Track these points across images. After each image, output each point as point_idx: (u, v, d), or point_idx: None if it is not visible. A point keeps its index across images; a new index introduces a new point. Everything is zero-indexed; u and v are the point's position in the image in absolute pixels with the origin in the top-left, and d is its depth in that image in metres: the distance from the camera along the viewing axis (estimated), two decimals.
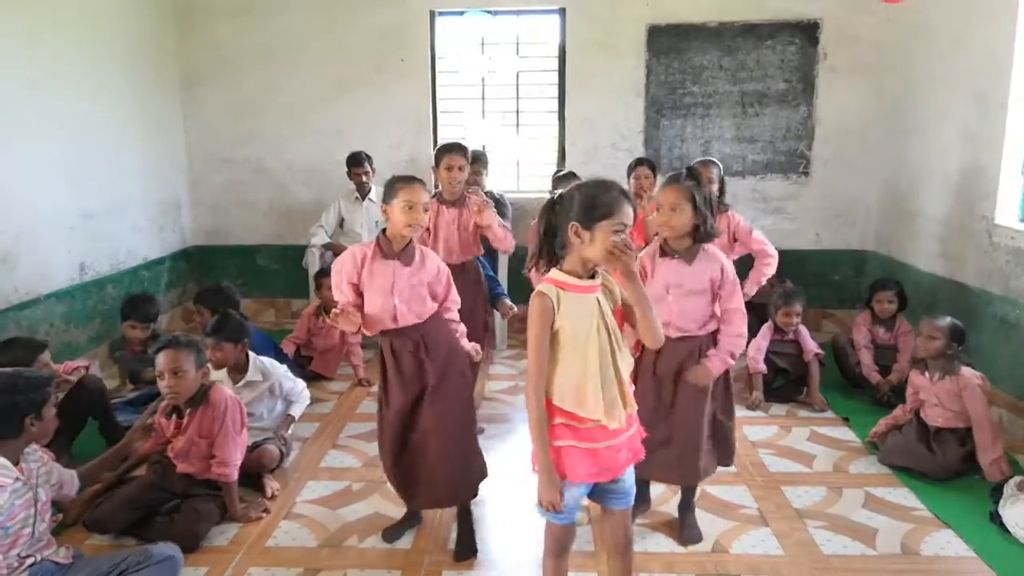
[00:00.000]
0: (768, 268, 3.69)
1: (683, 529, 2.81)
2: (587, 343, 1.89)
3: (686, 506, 2.86)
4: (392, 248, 2.60)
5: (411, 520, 2.89)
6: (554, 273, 1.95)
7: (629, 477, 2.03)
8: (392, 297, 2.56)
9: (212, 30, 5.68)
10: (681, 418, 2.65)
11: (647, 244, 3.97)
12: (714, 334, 2.65)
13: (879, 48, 5.31)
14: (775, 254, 3.69)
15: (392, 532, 2.84)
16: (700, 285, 2.59)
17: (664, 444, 2.63)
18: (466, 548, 2.72)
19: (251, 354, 3.41)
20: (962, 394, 3.25)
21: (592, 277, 1.94)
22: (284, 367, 3.54)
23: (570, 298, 1.90)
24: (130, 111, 5.13)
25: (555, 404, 1.93)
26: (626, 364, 1.96)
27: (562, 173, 5.07)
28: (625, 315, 2.01)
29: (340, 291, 2.60)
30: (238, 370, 3.35)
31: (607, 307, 1.94)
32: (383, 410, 2.69)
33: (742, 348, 2.68)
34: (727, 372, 2.70)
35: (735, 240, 3.72)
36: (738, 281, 2.69)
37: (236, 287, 4.35)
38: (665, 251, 2.63)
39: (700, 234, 2.56)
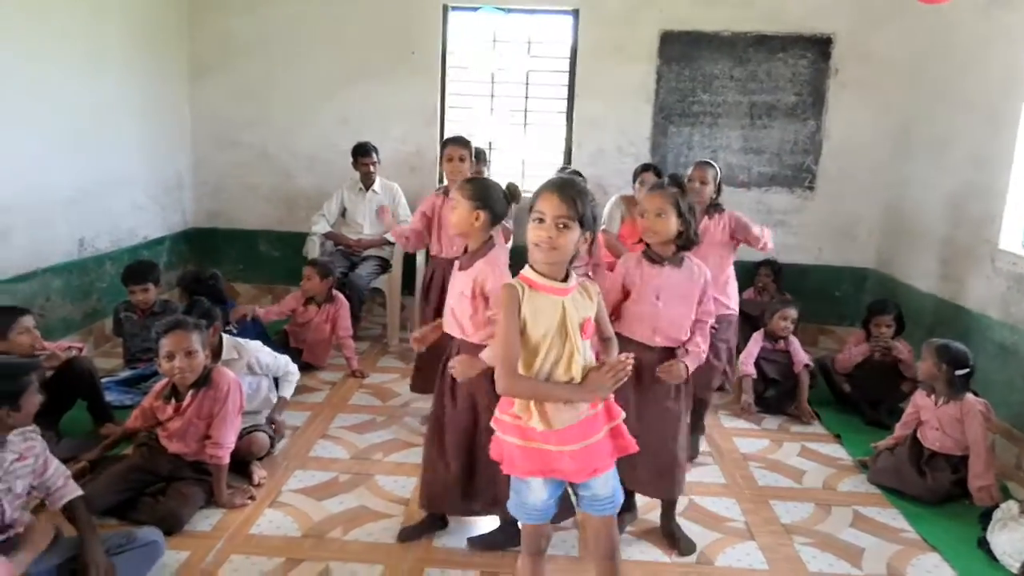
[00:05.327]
0: (769, 237, 3.59)
1: (677, 543, 2.79)
2: (541, 344, 1.89)
3: (668, 517, 2.84)
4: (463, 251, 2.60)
5: (435, 523, 2.80)
6: (526, 270, 1.95)
7: (599, 486, 1.99)
8: (448, 298, 2.57)
9: (224, 16, 5.65)
10: (653, 433, 2.62)
11: None
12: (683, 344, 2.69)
13: (891, 66, 5.29)
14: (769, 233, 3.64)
15: (410, 532, 2.78)
16: (689, 291, 2.63)
17: (639, 458, 2.62)
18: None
19: (223, 334, 3.39)
20: (964, 419, 3.22)
21: (565, 280, 1.93)
22: (257, 342, 3.50)
23: (535, 296, 1.90)
24: (137, 88, 5.10)
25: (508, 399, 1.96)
26: (580, 371, 1.93)
27: (568, 171, 5.05)
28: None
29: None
30: (214, 353, 3.28)
31: (574, 313, 1.91)
32: (443, 410, 2.63)
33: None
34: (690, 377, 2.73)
35: (736, 240, 3.60)
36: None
37: (237, 271, 4.34)
38: (652, 258, 2.64)
39: (683, 240, 2.60)
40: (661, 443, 2.65)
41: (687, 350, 2.65)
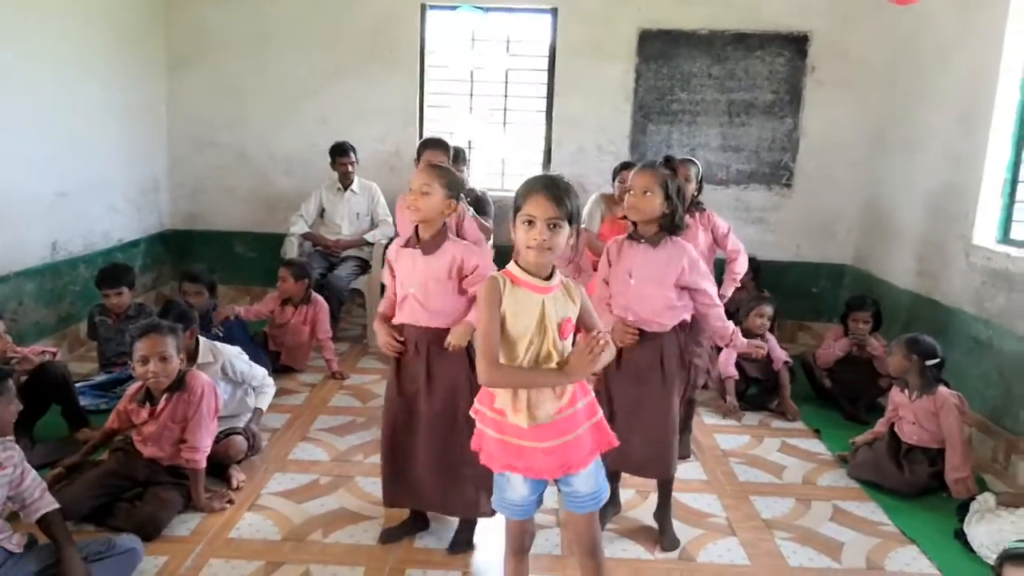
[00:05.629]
0: (738, 265, 3.75)
1: (663, 535, 2.80)
2: (521, 340, 1.88)
3: (663, 507, 2.84)
4: (416, 238, 2.55)
5: (416, 524, 2.79)
6: (510, 265, 1.95)
7: (580, 483, 1.97)
8: (407, 286, 2.53)
9: (201, 13, 5.59)
10: (651, 416, 2.64)
11: None
12: (678, 328, 2.65)
13: (867, 64, 5.35)
14: (743, 251, 3.78)
15: (391, 533, 2.76)
16: (663, 272, 2.58)
17: (633, 441, 2.62)
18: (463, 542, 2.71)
19: (200, 337, 3.35)
20: (939, 412, 3.26)
21: (549, 278, 1.92)
22: (236, 348, 3.47)
23: (516, 292, 1.89)
24: (113, 89, 5.03)
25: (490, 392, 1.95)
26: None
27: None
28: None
29: (386, 276, 2.67)
30: (190, 356, 3.24)
31: (553, 312, 1.90)
32: (415, 404, 2.60)
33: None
34: (691, 367, 2.73)
35: (715, 242, 3.77)
36: (704, 267, 2.70)
37: (213, 273, 4.39)
38: (633, 237, 2.64)
39: (668, 223, 2.57)
40: (654, 423, 2.64)
41: (734, 336, 2.76)
